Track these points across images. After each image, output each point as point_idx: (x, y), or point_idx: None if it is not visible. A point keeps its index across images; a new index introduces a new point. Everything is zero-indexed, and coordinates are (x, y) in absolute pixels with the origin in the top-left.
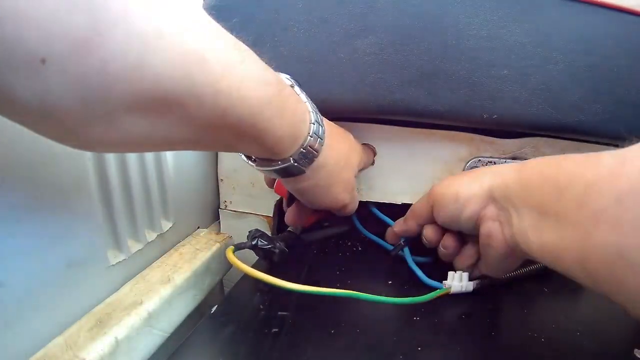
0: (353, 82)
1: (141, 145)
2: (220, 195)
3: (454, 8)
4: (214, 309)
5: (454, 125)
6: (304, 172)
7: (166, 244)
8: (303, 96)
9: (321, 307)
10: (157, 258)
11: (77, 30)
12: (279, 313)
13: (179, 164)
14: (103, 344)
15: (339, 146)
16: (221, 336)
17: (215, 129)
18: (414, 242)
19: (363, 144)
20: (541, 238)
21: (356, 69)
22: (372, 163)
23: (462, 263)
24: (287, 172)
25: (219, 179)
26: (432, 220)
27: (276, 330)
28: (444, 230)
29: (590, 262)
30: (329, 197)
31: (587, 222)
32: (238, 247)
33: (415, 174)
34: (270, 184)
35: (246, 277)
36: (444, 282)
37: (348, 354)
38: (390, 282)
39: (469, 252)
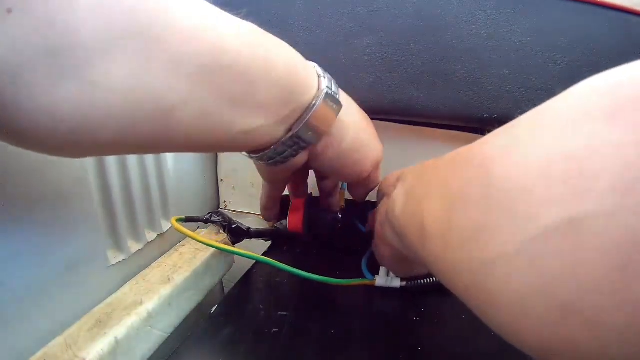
0: (353, 82)
1: (124, 113)
2: (220, 195)
3: (454, 8)
4: (214, 309)
5: (454, 125)
6: (334, 117)
7: (166, 244)
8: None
9: (321, 308)
10: (157, 258)
11: None
12: (279, 313)
13: (179, 164)
14: (103, 344)
15: (357, 111)
16: (221, 336)
17: (210, 71)
18: None
19: None
20: (407, 198)
21: (356, 69)
22: None
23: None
24: (322, 119)
25: (219, 179)
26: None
27: (276, 330)
28: None
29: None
30: (364, 153)
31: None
32: (189, 220)
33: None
34: (272, 215)
35: (246, 277)
36: (376, 275)
37: (348, 354)
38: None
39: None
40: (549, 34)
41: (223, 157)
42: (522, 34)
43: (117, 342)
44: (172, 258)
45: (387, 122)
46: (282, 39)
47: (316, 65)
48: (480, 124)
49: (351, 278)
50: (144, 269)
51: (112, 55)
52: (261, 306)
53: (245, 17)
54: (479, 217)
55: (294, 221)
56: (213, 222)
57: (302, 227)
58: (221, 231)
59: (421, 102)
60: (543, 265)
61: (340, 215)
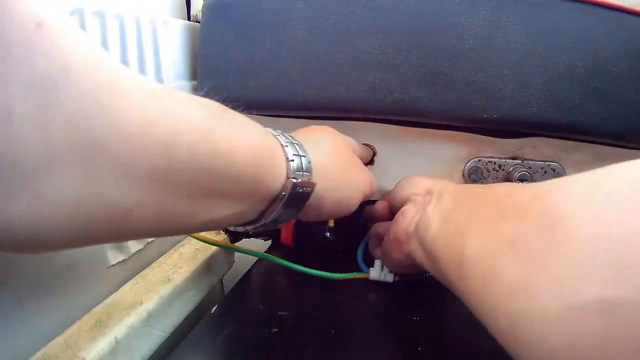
0: (353, 82)
1: (76, 223)
2: None
3: (455, 8)
4: (214, 309)
5: (454, 125)
6: (310, 191)
7: (166, 244)
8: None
9: (321, 308)
10: (157, 258)
11: None
12: (279, 313)
13: None
14: (103, 343)
15: (333, 157)
16: (221, 336)
17: (164, 170)
18: None
19: (363, 143)
20: (442, 224)
21: (356, 69)
22: (372, 163)
23: (374, 230)
24: (296, 200)
25: None
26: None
27: (276, 330)
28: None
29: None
30: (346, 202)
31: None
32: None
33: (415, 174)
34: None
35: (246, 277)
36: (370, 268)
37: (348, 354)
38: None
39: (384, 226)
40: (549, 34)
41: None
42: (522, 34)
43: (117, 342)
44: (172, 258)
45: (387, 122)
46: (282, 39)
47: (280, 135)
48: (480, 124)
49: (346, 272)
50: (144, 269)
51: (55, 168)
52: (261, 306)
53: (246, 18)
54: (530, 271)
55: (285, 235)
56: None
57: (292, 241)
58: (221, 231)
59: (421, 102)
60: (577, 334)
61: (328, 234)
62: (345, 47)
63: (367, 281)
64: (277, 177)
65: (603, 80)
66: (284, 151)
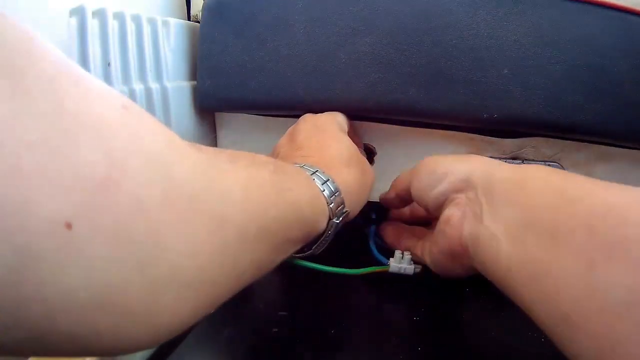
0: (353, 82)
1: (217, 300)
2: None
3: (455, 8)
4: None
5: (454, 125)
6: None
7: None
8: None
9: (321, 308)
10: None
11: (90, 168)
12: (279, 313)
13: None
14: None
15: (345, 174)
16: (221, 336)
17: (262, 234)
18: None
19: (364, 143)
20: (517, 249)
21: (356, 69)
22: (372, 163)
23: (406, 240)
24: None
25: None
26: (409, 193)
27: (276, 330)
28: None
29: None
30: (365, 198)
31: (595, 251)
32: None
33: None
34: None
35: None
36: (390, 259)
37: (348, 355)
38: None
39: (416, 231)
40: (549, 34)
41: None
42: (522, 34)
43: None
44: None
45: (387, 122)
46: (282, 38)
47: (316, 176)
48: (480, 124)
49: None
50: None
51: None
52: (261, 306)
53: (246, 18)
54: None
55: None
56: None
57: None
58: None
59: (421, 102)
60: None
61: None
62: (345, 47)
63: (367, 281)
64: (324, 217)
65: (603, 80)
66: (324, 195)
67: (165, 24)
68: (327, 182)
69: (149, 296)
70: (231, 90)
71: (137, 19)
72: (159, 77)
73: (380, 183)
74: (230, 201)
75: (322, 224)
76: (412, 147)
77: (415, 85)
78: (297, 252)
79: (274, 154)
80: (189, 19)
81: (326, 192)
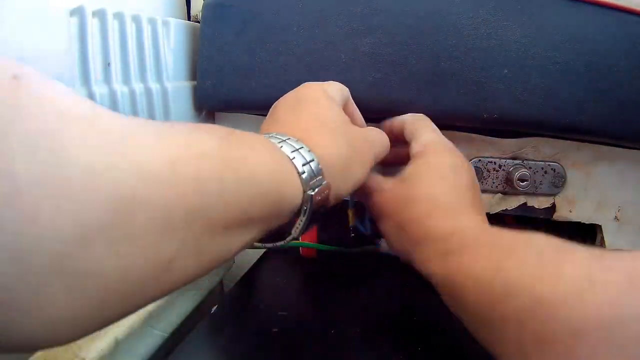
0: (353, 82)
1: (125, 297)
2: None
3: (455, 8)
4: (214, 309)
5: (454, 125)
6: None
7: None
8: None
9: (321, 308)
10: None
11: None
12: (279, 313)
13: None
14: (103, 343)
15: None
16: (221, 336)
17: (198, 214)
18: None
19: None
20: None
21: (356, 69)
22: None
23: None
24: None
25: None
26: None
27: (276, 330)
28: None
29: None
30: (358, 179)
31: (527, 344)
32: None
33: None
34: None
35: (246, 277)
36: (381, 239)
37: (348, 354)
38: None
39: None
40: (549, 34)
41: None
42: (522, 34)
43: (117, 342)
44: None
45: None
46: (282, 38)
47: (281, 142)
48: (480, 124)
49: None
50: None
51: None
52: (261, 306)
53: (246, 18)
54: None
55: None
56: None
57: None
58: None
59: (421, 102)
60: None
61: (352, 235)
62: (345, 47)
63: (367, 280)
64: (295, 190)
65: (603, 80)
66: (294, 164)
67: (165, 24)
68: (299, 150)
69: (29, 288)
70: (231, 90)
71: (137, 19)
72: (159, 77)
73: None
74: (144, 177)
75: (295, 199)
76: None
77: (415, 85)
78: (278, 237)
79: None
80: (189, 19)
81: (297, 161)
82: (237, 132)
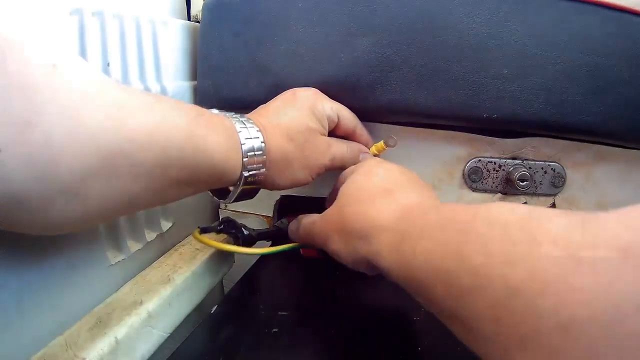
0: (353, 82)
1: (107, 212)
2: None
3: (455, 8)
4: (214, 309)
5: (454, 125)
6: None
7: (166, 244)
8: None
9: (321, 307)
10: (157, 258)
11: (19, 115)
12: (279, 313)
13: None
14: (103, 343)
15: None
16: (221, 336)
17: (162, 170)
18: None
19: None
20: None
21: (356, 68)
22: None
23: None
24: (250, 184)
25: None
26: None
27: (276, 330)
28: None
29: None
30: (298, 179)
31: (507, 341)
32: (204, 230)
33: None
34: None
35: (246, 277)
36: None
37: (348, 355)
38: None
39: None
40: (549, 34)
41: None
42: (522, 34)
43: (117, 342)
44: (172, 258)
45: (387, 122)
46: (282, 38)
47: (245, 130)
48: (480, 124)
49: None
50: (144, 269)
51: (90, 176)
52: (261, 306)
53: (246, 17)
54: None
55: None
56: (226, 233)
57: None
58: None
59: (421, 102)
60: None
61: None
62: (344, 47)
63: (367, 280)
64: (236, 169)
65: (603, 80)
66: (241, 148)
67: (165, 24)
68: (253, 139)
69: (44, 200)
70: (231, 90)
71: (136, 19)
72: (158, 77)
73: None
74: (129, 140)
75: (233, 175)
76: (412, 147)
77: (415, 85)
78: (219, 197)
79: None
80: (189, 19)
81: (245, 146)
82: (207, 114)
